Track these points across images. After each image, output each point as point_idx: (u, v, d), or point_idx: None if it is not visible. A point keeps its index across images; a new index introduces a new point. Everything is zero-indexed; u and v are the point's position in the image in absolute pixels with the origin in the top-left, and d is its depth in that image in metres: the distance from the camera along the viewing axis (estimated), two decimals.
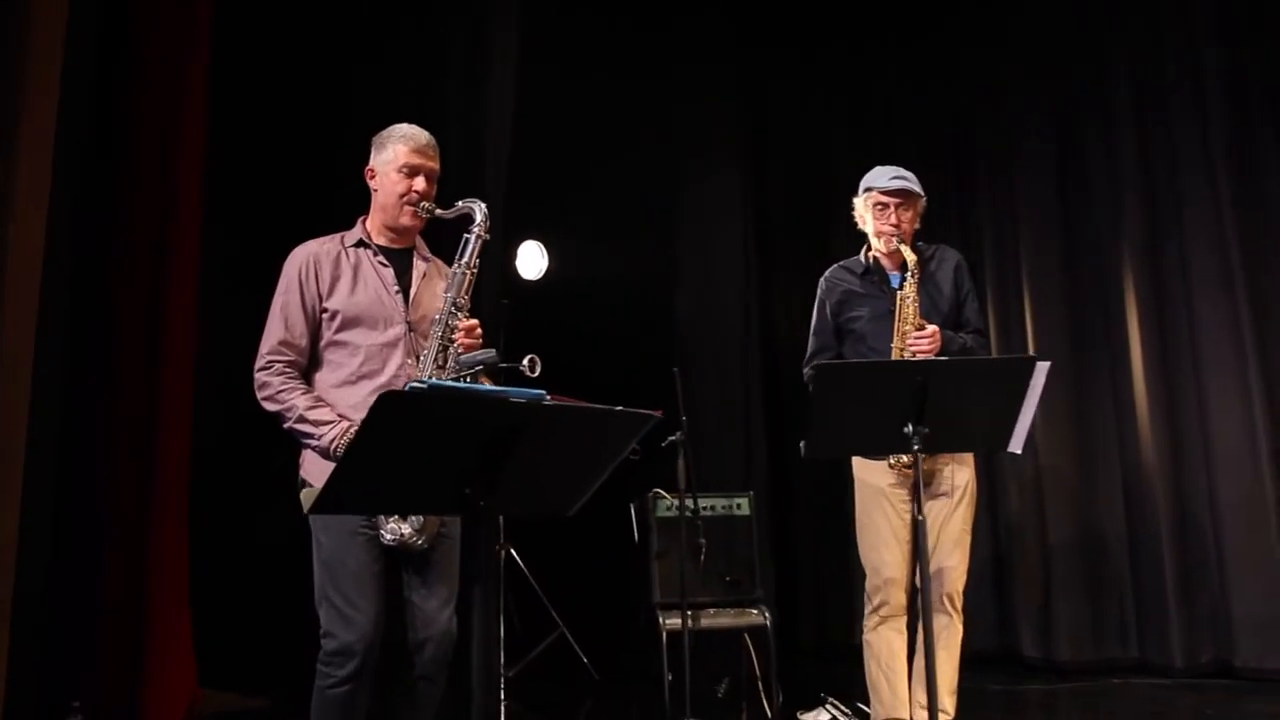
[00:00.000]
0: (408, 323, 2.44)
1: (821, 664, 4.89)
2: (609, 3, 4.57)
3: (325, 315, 2.42)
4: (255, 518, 3.27)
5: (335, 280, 2.43)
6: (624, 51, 4.61)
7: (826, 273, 3.23)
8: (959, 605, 2.99)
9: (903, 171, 3.08)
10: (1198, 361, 4.27)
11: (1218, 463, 4.22)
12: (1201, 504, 4.29)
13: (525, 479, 1.76)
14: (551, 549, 4.09)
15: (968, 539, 2.99)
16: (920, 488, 2.49)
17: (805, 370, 3.23)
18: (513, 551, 4.18)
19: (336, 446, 2.31)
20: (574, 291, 4.65)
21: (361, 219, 2.55)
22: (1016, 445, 2.51)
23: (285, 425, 2.36)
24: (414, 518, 2.30)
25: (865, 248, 3.19)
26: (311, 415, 2.33)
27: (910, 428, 2.40)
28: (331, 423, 2.33)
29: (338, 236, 2.51)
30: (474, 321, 2.40)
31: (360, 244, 2.50)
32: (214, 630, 3.36)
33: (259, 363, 2.39)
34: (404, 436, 1.60)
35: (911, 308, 2.94)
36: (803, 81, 5.15)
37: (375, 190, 2.51)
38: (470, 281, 2.40)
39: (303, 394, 2.36)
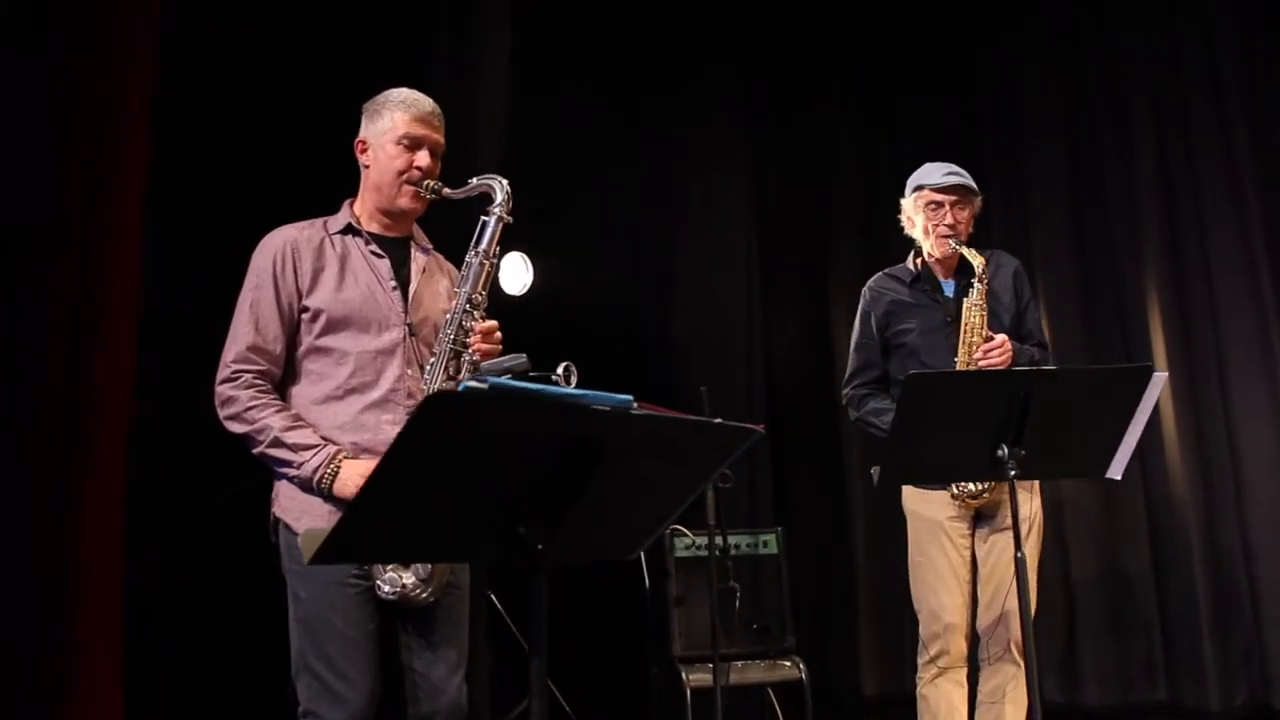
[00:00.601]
0: (408, 325, 2.01)
1: (829, 712, 4.49)
2: (605, 4, 4.22)
3: (305, 316, 1.98)
4: (206, 562, 2.74)
5: (318, 273, 1.99)
6: (620, 56, 4.25)
7: (870, 282, 2.89)
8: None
9: (956, 167, 2.77)
10: (1225, 384, 4.03)
11: (1248, 490, 3.98)
12: (1232, 534, 4.03)
13: (597, 512, 1.34)
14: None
15: (1034, 577, 2.64)
16: (1017, 520, 2.13)
17: (845, 391, 2.87)
18: (492, 596, 3.71)
19: (322, 478, 1.86)
20: (561, 308, 4.24)
21: (348, 201, 2.12)
22: (1117, 470, 2.18)
23: (255, 450, 1.90)
24: (419, 565, 1.86)
25: (913, 253, 2.87)
26: (290, 438, 1.88)
27: (1005, 450, 2.04)
28: (315, 447, 1.88)
29: (320, 221, 2.08)
30: (493, 323, 1.98)
31: (349, 230, 2.06)
32: (153, 695, 2.80)
33: (222, 373, 1.93)
34: (450, 455, 1.17)
35: (980, 317, 2.61)
36: (806, 89, 4.85)
37: (367, 166, 2.08)
38: (489, 274, 1.98)
39: (278, 411, 1.90)
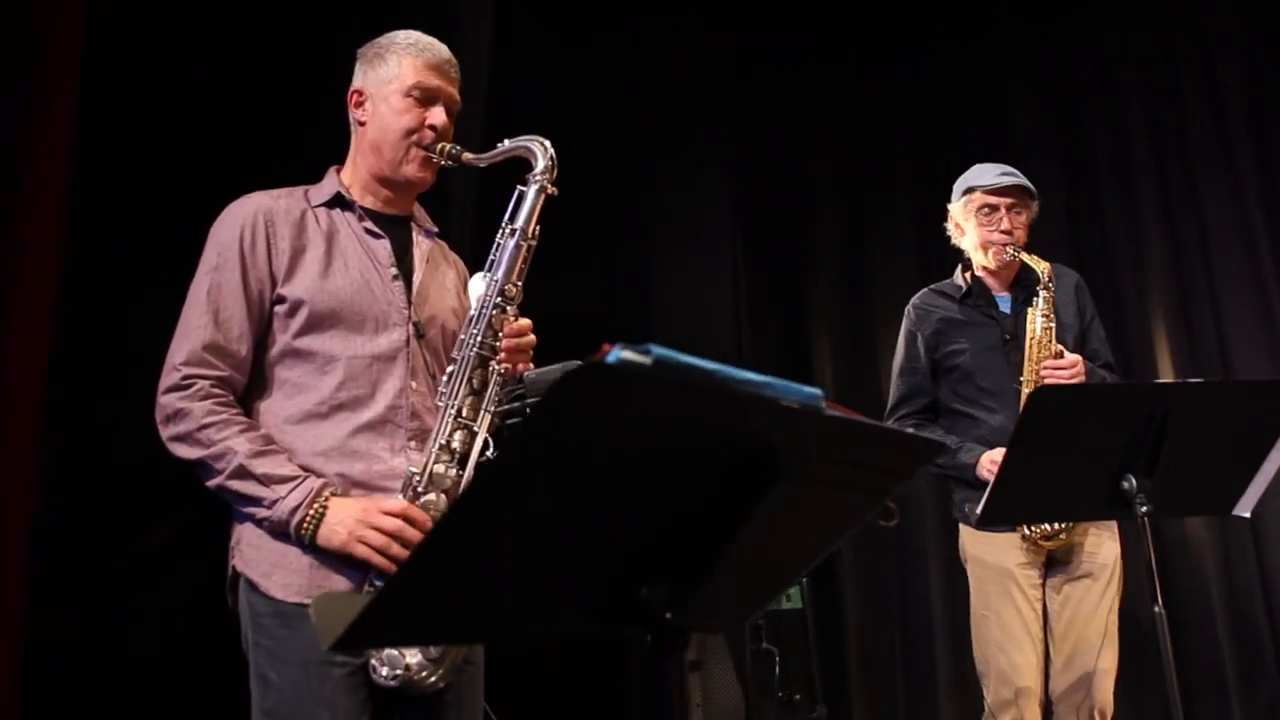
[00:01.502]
0: (413, 324, 1.57)
1: None
2: (587, 15, 3.88)
3: (281, 308, 1.53)
4: (135, 619, 2.17)
5: (299, 253, 1.55)
6: (601, 69, 3.91)
7: (914, 299, 2.57)
8: (1110, 718, 2.30)
9: (1010, 167, 2.50)
10: None
11: (1268, 525, 3.76)
12: (1250, 575, 3.80)
13: (744, 560, 0.93)
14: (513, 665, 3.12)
15: (1115, 632, 2.33)
16: (1153, 566, 1.79)
17: (888, 423, 2.52)
18: None
19: (303, 521, 1.40)
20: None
21: (334, 169, 1.68)
22: (1247, 506, 1.87)
23: (212, 482, 1.43)
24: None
25: (961, 266, 2.57)
26: (259, 467, 1.41)
27: (1133, 482, 1.71)
28: (293, 480, 1.42)
29: (299, 190, 1.64)
30: (527, 322, 1.57)
31: (337, 202, 1.62)
32: None
33: (169, 379, 1.46)
34: (568, 472, 0.76)
35: (1046, 329, 2.30)
36: (791, 109, 4.58)
37: (362, 123, 1.65)
38: (526, 259, 1.56)
39: (243, 431, 1.44)
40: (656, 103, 4.03)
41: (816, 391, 0.86)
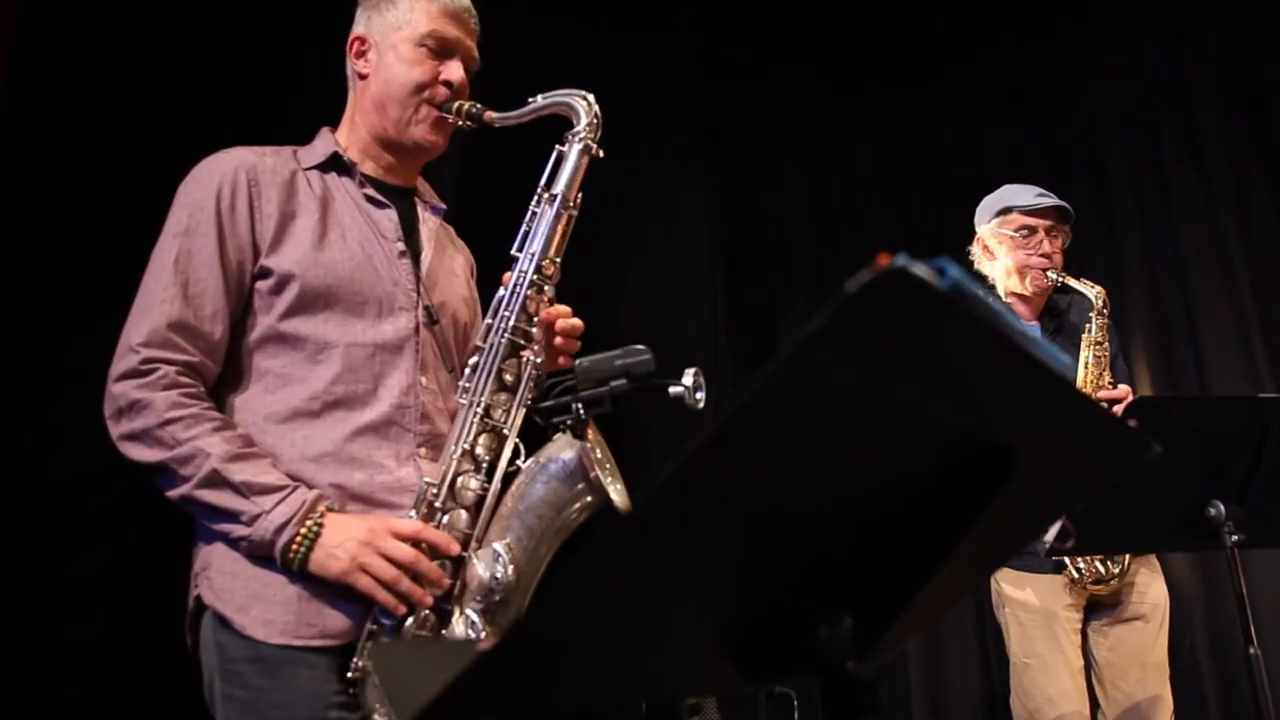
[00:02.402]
0: (425, 308, 1.32)
1: None
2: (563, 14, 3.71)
3: (265, 284, 1.26)
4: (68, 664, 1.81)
5: (288, 219, 1.28)
6: (579, 73, 3.72)
7: None
8: None
9: (1043, 189, 2.36)
10: None
11: (1254, 573, 3.67)
12: (1235, 626, 3.70)
13: (948, 577, 0.71)
14: None
15: (1167, 671, 2.16)
16: (1245, 605, 1.62)
17: None
18: None
19: (292, 542, 1.12)
20: None
21: (328, 130, 1.42)
22: None
23: (176, 492, 1.15)
24: None
25: (987, 291, 2.41)
26: (237, 474, 1.13)
27: (1220, 509, 1.55)
28: (279, 490, 1.15)
29: (287, 150, 1.37)
30: (566, 309, 1.33)
31: (332, 165, 1.36)
32: None
33: (125, 362, 1.18)
34: (819, 431, 0.54)
35: (1100, 359, 2.13)
36: (769, 138, 4.45)
37: (363, 76, 1.40)
38: (566, 232, 1.32)
39: (217, 429, 1.16)
40: (629, 110, 3.85)
41: (1067, 360, 0.65)
